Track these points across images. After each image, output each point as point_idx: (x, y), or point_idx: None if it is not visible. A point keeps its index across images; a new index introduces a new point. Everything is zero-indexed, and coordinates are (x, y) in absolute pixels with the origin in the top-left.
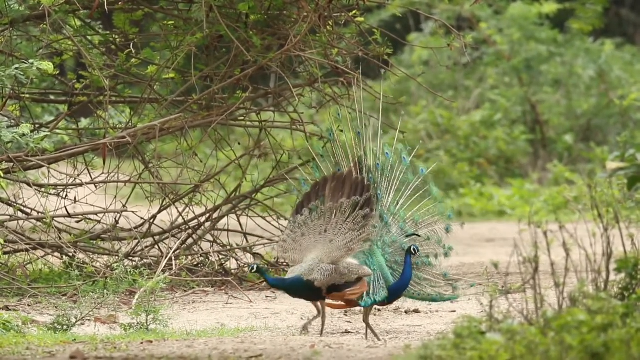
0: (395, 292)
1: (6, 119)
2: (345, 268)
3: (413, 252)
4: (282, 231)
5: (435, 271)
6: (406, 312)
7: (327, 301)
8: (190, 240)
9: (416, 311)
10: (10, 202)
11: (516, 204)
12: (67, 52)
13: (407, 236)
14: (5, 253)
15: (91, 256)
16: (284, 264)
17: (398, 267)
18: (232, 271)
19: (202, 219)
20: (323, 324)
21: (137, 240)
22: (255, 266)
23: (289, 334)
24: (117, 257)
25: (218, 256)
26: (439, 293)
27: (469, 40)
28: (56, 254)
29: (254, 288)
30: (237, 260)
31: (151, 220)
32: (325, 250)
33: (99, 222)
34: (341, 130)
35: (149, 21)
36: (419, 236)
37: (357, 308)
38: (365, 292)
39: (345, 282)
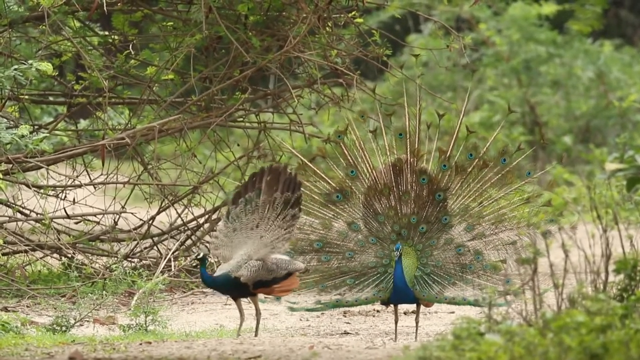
0: (394, 298)
1: (5, 120)
2: (274, 264)
3: (397, 250)
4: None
5: (497, 276)
6: (405, 313)
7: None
8: (189, 242)
9: (414, 312)
10: (9, 203)
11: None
12: (66, 53)
13: (392, 237)
14: (4, 254)
15: (90, 257)
16: (216, 261)
17: (447, 269)
18: None
19: (201, 220)
20: (258, 323)
21: (136, 242)
22: (201, 254)
23: (288, 335)
24: (116, 258)
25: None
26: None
27: (468, 41)
28: (55, 255)
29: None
30: None
31: (150, 222)
32: (254, 246)
33: (98, 223)
34: (372, 132)
35: (148, 22)
36: (401, 235)
37: (357, 309)
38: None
39: (273, 278)
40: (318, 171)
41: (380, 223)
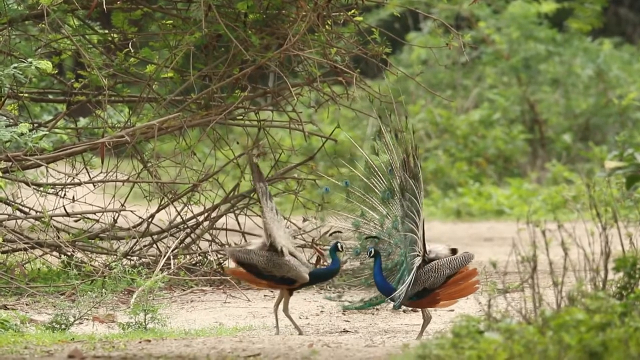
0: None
1: (5, 118)
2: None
3: (369, 254)
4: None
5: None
6: (404, 311)
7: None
8: (188, 240)
9: (414, 310)
10: (8, 201)
11: (515, 203)
12: (66, 52)
13: (365, 238)
14: (3, 252)
15: (89, 255)
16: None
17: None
18: None
19: (201, 218)
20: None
21: (135, 240)
22: (335, 244)
23: (287, 333)
24: (115, 256)
25: (216, 255)
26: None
27: (467, 39)
28: (54, 253)
29: (252, 287)
30: None
31: (149, 220)
32: (287, 235)
33: (98, 221)
34: (393, 132)
35: (148, 20)
36: (377, 238)
37: None
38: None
39: None
40: (376, 169)
41: (406, 221)
